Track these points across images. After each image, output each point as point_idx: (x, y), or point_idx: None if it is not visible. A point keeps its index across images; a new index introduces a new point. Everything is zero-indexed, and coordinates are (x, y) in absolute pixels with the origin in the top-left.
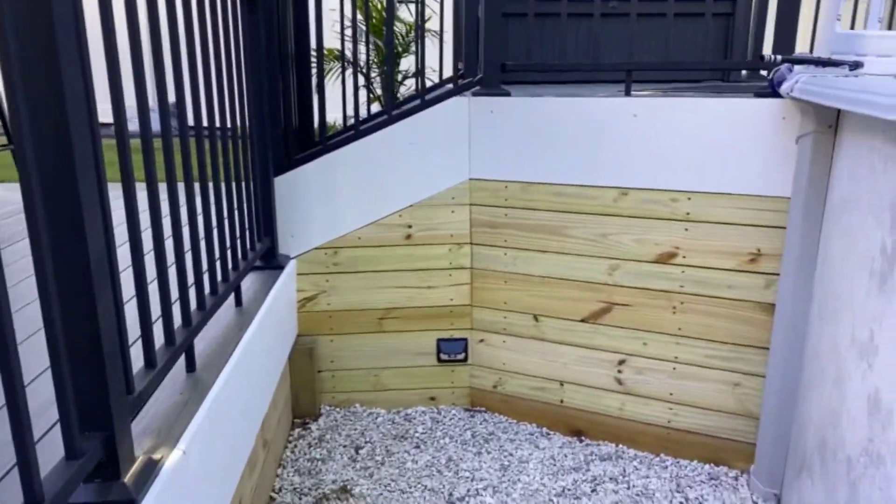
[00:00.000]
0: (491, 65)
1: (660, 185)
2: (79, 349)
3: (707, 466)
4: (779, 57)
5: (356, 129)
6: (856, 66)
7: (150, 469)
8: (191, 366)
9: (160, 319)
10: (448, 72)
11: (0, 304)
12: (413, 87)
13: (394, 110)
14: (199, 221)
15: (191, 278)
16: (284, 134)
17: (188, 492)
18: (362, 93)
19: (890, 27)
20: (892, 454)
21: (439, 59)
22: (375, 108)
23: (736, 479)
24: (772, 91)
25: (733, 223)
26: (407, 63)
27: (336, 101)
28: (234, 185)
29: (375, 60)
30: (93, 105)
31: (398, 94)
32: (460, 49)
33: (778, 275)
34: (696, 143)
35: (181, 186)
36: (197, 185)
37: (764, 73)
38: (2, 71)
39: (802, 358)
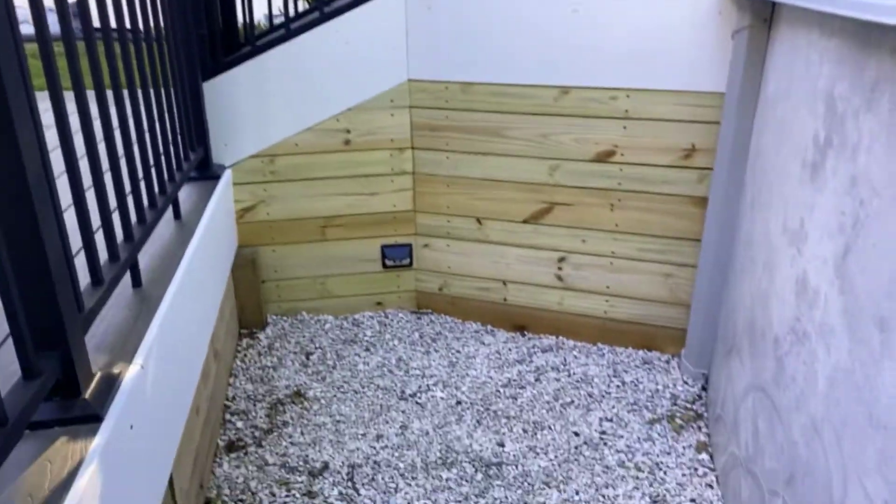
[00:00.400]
0: None
1: (599, 82)
2: (26, 268)
3: (641, 352)
4: None
5: (287, 28)
6: None
7: (110, 384)
8: (136, 282)
9: (101, 234)
10: None
11: None
12: None
13: (326, 7)
14: (126, 133)
15: (128, 191)
16: (210, 34)
17: (149, 405)
18: None
19: None
20: (816, 331)
21: None
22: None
23: (668, 362)
24: None
25: (670, 119)
26: None
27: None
28: (162, 90)
29: None
30: (12, 10)
31: None
32: None
33: (711, 169)
34: (634, 40)
35: (92, 95)
36: (114, 94)
37: None
38: None
39: (733, 247)
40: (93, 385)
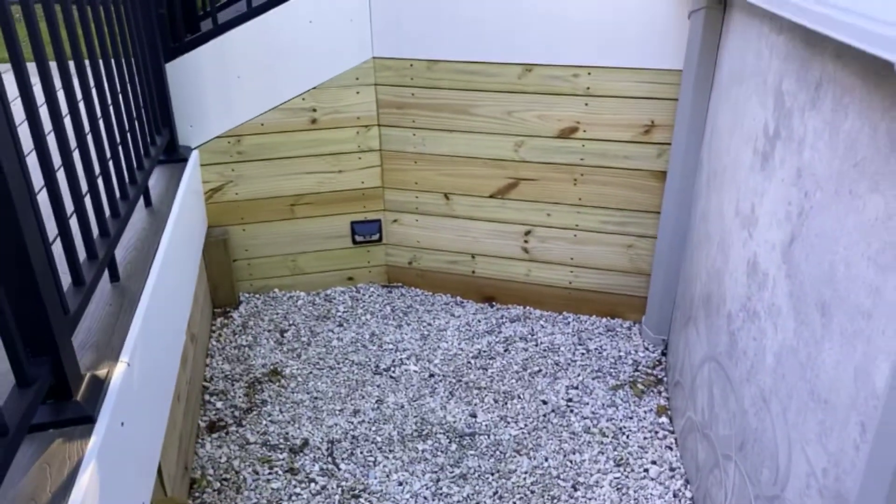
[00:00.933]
0: None
1: (562, 60)
2: (12, 277)
3: (604, 320)
4: None
5: (249, 7)
6: None
7: (100, 384)
8: (114, 276)
9: (77, 233)
10: None
11: None
12: None
13: None
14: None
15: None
16: (170, 14)
17: (136, 399)
18: None
19: None
20: (765, 310)
21: None
22: None
23: (629, 329)
24: None
25: (630, 97)
26: None
27: None
28: (125, 73)
29: None
30: None
31: None
32: None
33: (670, 144)
34: (595, 17)
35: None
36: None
37: None
38: None
39: (690, 220)
40: (83, 386)
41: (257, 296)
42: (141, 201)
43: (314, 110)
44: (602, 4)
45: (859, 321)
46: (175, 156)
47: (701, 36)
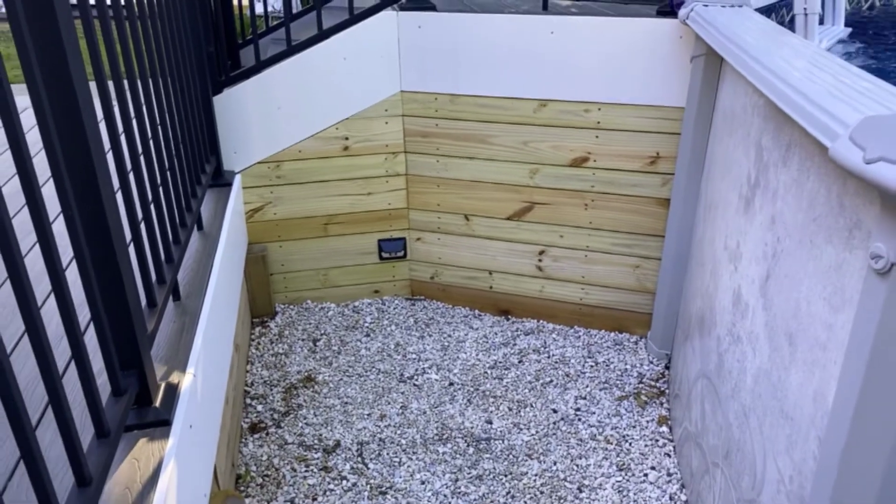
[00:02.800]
0: None
1: (574, 97)
2: (112, 307)
3: (613, 334)
4: None
5: (289, 46)
6: None
7: (173, 392)
8: (176, 296)
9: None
10: None
11: (63, 286)
12: None
13: (304, 15)
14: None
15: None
16: (217, 52)
17: (199, 404)
18: None
19: None
20: (746, 337)
21: None
22: (294, 1)
23: (636, 343)
24: (671, 11)
25: (637, 130)
26: None
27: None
28: (183, 109)
29: None
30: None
31: None
32: None
33: (673, 174)
34: (605, 59)
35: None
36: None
37: None
38: None
39: (690, 245)
40: (160, 394)
41: (292, 307)
42: (194, 225)
43: (347, 138)
44: (611, 47)
45: (817, 351)
46: (221, 180)
47: (701, 79)
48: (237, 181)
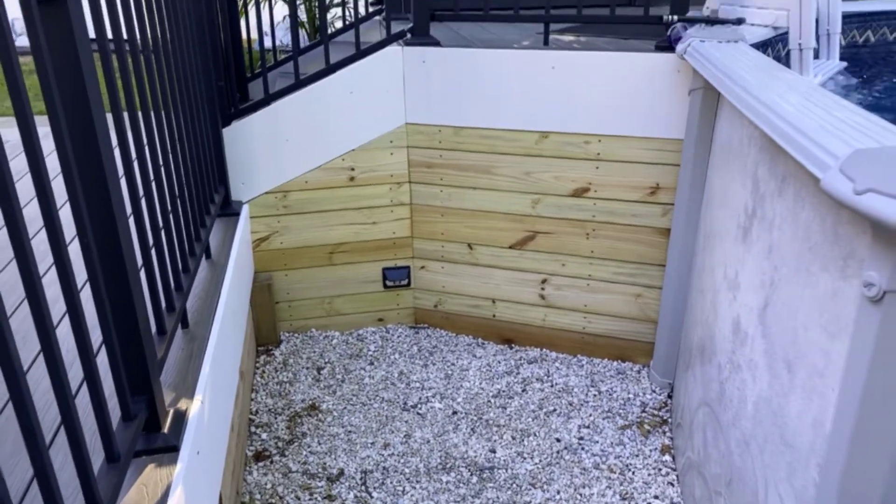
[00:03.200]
0: (421, 13)
1: (575, 129)
2: (123, 333)
3: (615, 363)
4: (675, 17)
5: (297, 80)
6: (739, 22)
7: (181, 418)
8: (185, 324)
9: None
10: None
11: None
12: (337, 15)
13: (311, 50)
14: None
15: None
16: (227, 86)
17: (206, 430)
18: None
19: None
20: (746, 365)
21: None
22: (302, 34)
23: (639, 372)
24: (669, 45)
25: (637, 161)
26: None
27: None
28: (193, 140)
29: None
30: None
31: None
32: None
33: (673, 205)
34: (605, 92)
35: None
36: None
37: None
38: None
39: (691, 273)
40: (168, 420)
41: (296, 335)
42: (203, 254)
43: (353, 169)
44: (610, 81)
45: (815, 378)
46: (229, 210)
47: (699, 112)
48: (245, 211)
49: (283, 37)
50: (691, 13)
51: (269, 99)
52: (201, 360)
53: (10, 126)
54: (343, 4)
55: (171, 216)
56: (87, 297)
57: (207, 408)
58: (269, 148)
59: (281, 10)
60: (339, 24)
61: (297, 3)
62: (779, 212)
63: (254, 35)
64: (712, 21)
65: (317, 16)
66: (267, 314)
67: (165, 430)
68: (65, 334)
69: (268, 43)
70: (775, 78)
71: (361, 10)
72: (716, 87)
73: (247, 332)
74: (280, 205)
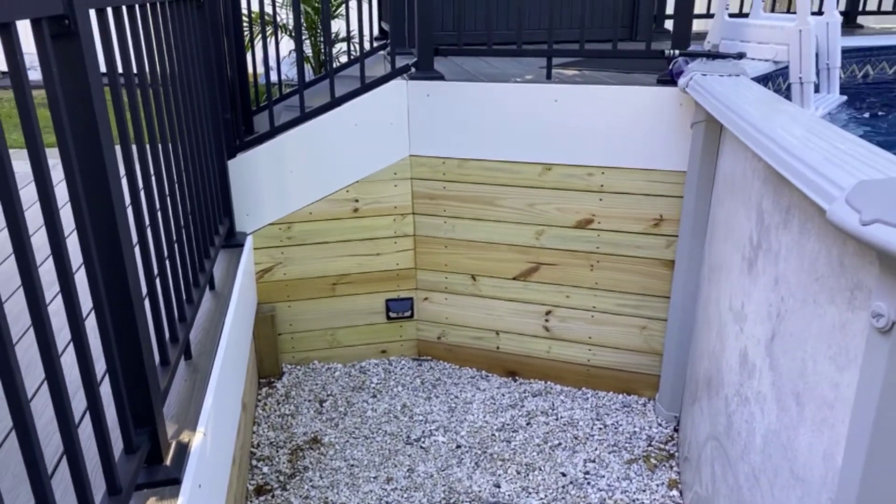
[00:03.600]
0: (425, 48)
1: (578, 161)
2: (128, 364)
3: (621, 396)
4: (676, 51)
5: (302, 113)
6: (739, 56)
7: (183, 451)
8: (188, 355)
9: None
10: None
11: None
12: (343, 50)
13: (315, 83)
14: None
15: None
16: (234, 119)
17: (208, 463)
18: (289, 56)
19: (773, 10)
20: (754, 397)
21: (364, 20)
22: (308, 69)
23: (644, 405)
24: (671, 79)
25: (640, 193)
26: (336, 24)
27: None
28: (199, 172)
29: (305, 24)
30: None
31: (335, 60)
32: (384, 10)
33: (677, 236)
34: (608, 125)
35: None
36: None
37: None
38: None
39: (696, 305)
40: (171, 452)
41: (299, 367)
42: (207, 286)
43: (357, 200)
44: (613, 114)
45: (825, 410)
46: (233, 241)
47: (702, 144)
48: (249, 242)
49: (289, 71)
50: (692, 47)
51: (274, 132)
52: (204, 391)
53: (22, 158)
54: (348, 39)
55: (175, 247)
56: (91, 326)
57: (210, 440)
58: (274, 180)
59: (287, 45)
60: (343, 59)
61: (303, 38)
62: (784, 243)
63: (260, 69)
64: (713, 55)
65: (322, 50)
66: (269, 346)
67: (168, 462)
68: (68, 364)
69: (273, 77)
70: (778, 111)
71: (367, 45)
72: (718, 120)
73: (249, 363)
74: (284, 236)
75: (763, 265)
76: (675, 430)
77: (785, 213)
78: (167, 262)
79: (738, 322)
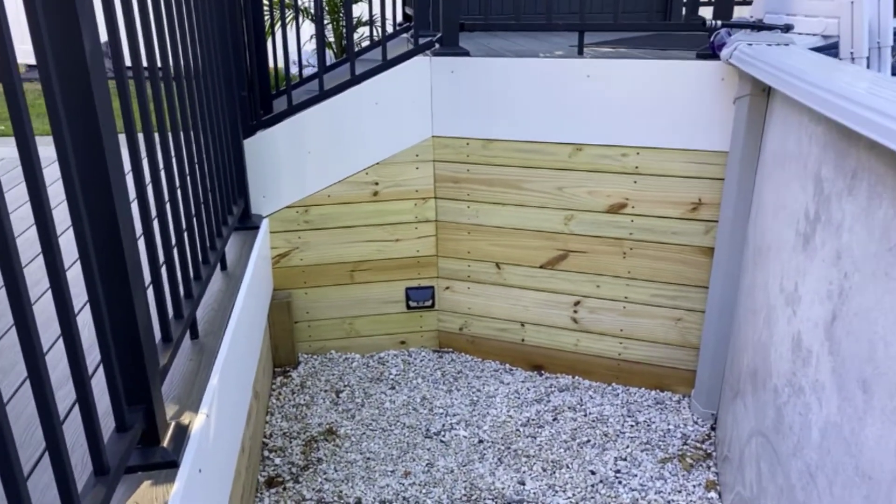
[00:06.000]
0: (449, 23)
1: (611, 140)
2: (121, 337)
3: (654, 392)
4: (718, 22)
5: (321, 91)
6: (787, 28)
7: (183, 432)
8: (194, 334)
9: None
10: (399, 15)
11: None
12: (365, 35)
13: (339, 67)
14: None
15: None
16: (250, 96)
17: (212, 447)
18: (310, 43)
19: None
20: (810, 386)
21: (388, 2)
22: (329, 54)
23: (679, 402)
24: (712, 53)
25: (677, 175)
26: (359, 9)
27: (292, 53)
28: (211, 150)
29: (327, 8)
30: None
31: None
32: None
33: (717, 222)
34: (643, 102)
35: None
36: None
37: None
38: None
39: (737, 295)
40: (169, 434)
41: (315, 356)
42: (217, 265)
43: (376, 183)
44: (649, 91)
45: None
46: (248, 223)
47: (746, 121)
48: (265, 225)
49: (310, 57)
50: (735, 18)
51: (292, 110)
52: (209, 372)
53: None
54: (371, 23)
55: (183, 219)
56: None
57: (213, 424)
58: (292, 160)
59: (308, 31)
60: (366, 45)
61: (325, 22)
62: (849, 212)
63: (281, 56)
64: (759, 26)
65: (343, 34)
66: (285, 334)
67: (165, 444)
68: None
69: (294, 70)
70: (840, 70)
71: (389, 28)
72: (770, 87)
73: (263, 351)
74: (301, 220)
75: (822, 239)
76: (713, 428)
77: (850, 178)
78: (173, 234)
79: (791, 305)
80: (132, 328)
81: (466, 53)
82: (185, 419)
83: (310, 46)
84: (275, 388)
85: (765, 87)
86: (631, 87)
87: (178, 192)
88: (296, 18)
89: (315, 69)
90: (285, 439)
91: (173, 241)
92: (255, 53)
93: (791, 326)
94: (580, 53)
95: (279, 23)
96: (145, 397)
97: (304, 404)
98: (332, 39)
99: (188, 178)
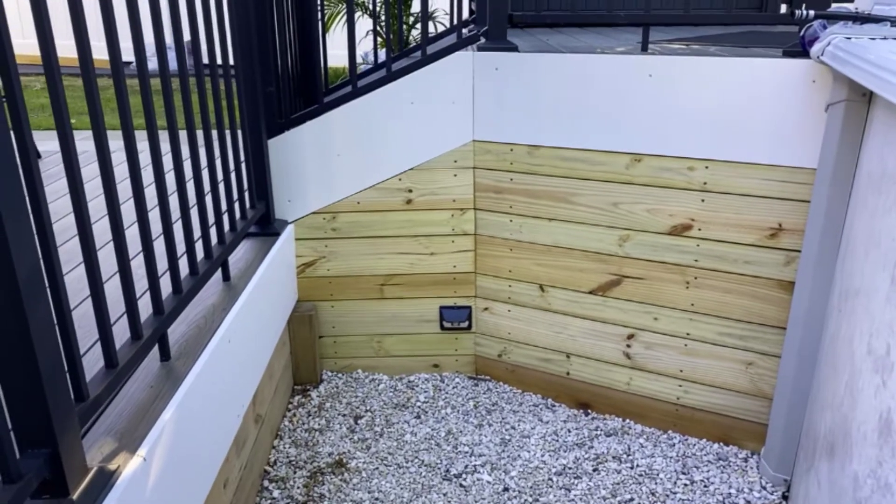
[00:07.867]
0: (496, 15)
1: (676, 151)
2: (11, 367)
3: (716, 445)
4: (811, 12)
5: (354, 88)
6: None
7: (104, 481)
8: (165, 355)
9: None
10: (464, 13)
11: None
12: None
13: (393, 64)
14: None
15: (164, 258)
16: (278, 93)
17: (149, 498)
18: (367, 42)
19: None
20: None
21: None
22: (383, 54)
23: (745, 460)
24: (802, 49)
25: (754, 195)
26: (418, 4)
27: (342, 48)
28: (212, 150)
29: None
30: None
31: (410, 40)
32: None
33: (799, 251)
34: (716, 108)
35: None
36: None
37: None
38: None
39: (820, 342)
40: (84, 483)
41: (340, 375)
42: (219, 275)
43: (410, 191)
44: (722, 94)
45: None
46: (269, 229)
47: (839, 132)
48: (288, 231)
49: (367, 54)
50: (835, 7)
51: (322, 108)
52: (167, 403)
53: None
54: (426, 18)
55: (153, 222)
56: None
57: (157, 468)
58: (320, 163)
59: (364, 26)
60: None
61: (380, 18)
62: None
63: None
64: (862, 18)
65: (400, 30)
66: (307, 349)
67: (75, 496)
68: None
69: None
70: None
71: (446, 20)
72: (873, 91)
73: (277, 366)
74: (328, 227)
75: None
76: (785, 496)
77: None
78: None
79: (881, 372)
80: (27, 353)
81: (514, 48)
82: (114, 463)
83: (367, 45)
84: (290, 409)
85: (865, 92)
86: (700, 90)
87: (150, 189)
88: (350, 13)
89: (368, 62)
90: (290, 469)
91: (122, 244)
92: (301, 49)
93: (879, 401)
94: (644, 50)
95: (335, 18)
96: (49, 439)
97: (317, 429)
98: (391, 36)
99: (166, 177)
